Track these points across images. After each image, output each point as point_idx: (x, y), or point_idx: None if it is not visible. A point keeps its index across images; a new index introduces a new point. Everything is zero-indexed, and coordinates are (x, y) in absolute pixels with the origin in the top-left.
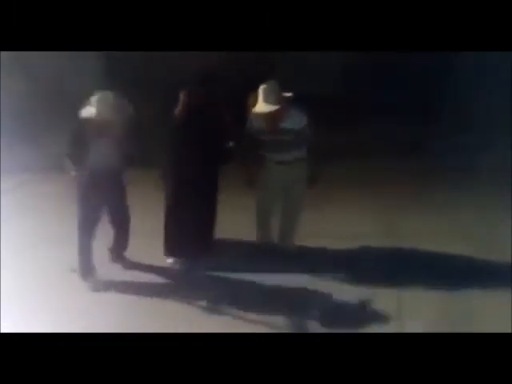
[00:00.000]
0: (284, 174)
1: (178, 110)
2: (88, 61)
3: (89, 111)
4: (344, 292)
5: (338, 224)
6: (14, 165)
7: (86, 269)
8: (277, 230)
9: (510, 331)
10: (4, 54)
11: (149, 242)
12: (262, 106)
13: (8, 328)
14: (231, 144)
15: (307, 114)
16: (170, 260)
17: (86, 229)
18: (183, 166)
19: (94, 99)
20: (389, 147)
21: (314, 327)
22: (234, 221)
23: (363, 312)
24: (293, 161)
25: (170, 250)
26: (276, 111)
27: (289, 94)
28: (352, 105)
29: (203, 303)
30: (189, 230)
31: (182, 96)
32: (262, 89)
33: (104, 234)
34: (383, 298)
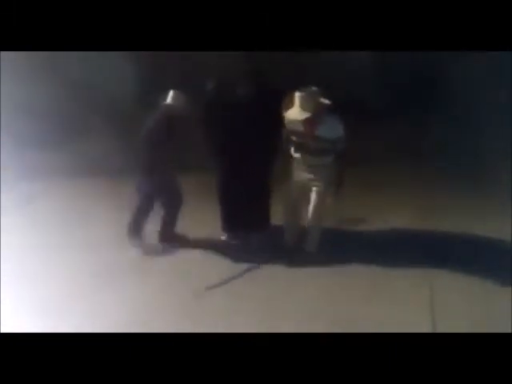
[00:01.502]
0: (309, 177)
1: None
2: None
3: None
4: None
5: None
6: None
7: (135, 230)
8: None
9: (510, 331)
10: (33, 54)
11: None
12: (296, 112)
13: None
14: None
15: (344, 123)
16: (224, 236)
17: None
18: (234, 143)
19: (171, 95)
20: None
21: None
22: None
23: None
24: (319, 165)
25: (225, 226)
26: (309, 118)
27: (327, 102)
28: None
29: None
30: (242, 206)
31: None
32: (299, 95)
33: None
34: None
